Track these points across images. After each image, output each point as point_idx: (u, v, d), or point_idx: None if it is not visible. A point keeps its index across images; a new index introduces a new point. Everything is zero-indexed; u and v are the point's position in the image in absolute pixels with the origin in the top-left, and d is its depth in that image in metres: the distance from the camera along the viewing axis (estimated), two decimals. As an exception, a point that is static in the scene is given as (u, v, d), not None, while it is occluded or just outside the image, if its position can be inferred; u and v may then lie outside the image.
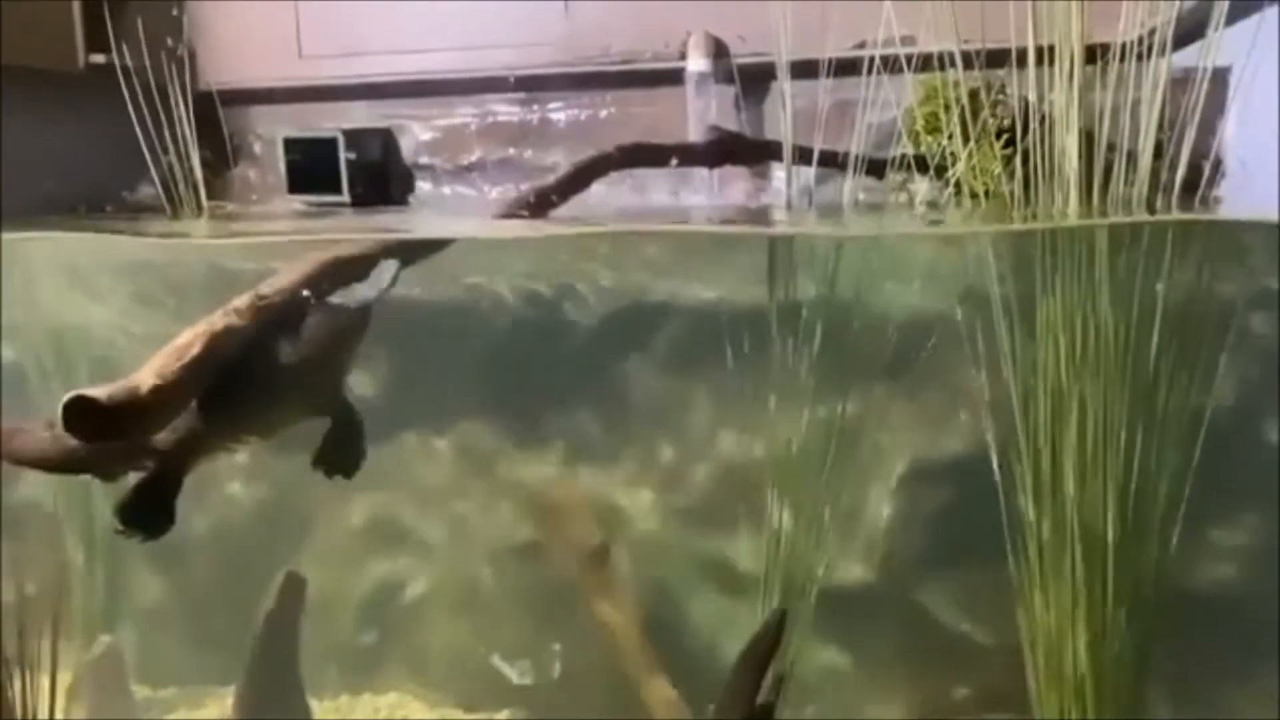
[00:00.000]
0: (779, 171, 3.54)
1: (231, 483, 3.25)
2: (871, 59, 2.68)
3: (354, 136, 3.91)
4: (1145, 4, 2.18)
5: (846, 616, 2.71)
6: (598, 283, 3.05)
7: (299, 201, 3.91)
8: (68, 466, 1.83)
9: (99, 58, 3.62)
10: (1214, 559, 2.56)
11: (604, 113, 3.91)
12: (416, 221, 3.51)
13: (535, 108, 3.96)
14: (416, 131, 4.07)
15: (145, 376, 1.48)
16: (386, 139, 4.04)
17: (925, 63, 2.71)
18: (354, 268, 1.78)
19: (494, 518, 3.07)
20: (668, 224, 2.63)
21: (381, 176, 3.99)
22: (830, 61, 2.73)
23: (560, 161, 3.96)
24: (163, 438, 1.67)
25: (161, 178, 3.37)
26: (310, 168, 3.86)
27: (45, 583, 2.37)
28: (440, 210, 3.91)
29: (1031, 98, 2.55)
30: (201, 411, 1.66)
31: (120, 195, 3.76)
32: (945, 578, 2.69)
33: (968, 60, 2.52)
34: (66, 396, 1.42)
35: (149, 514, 1.72)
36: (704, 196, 3.55)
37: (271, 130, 4.02)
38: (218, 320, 1.59)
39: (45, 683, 2.29)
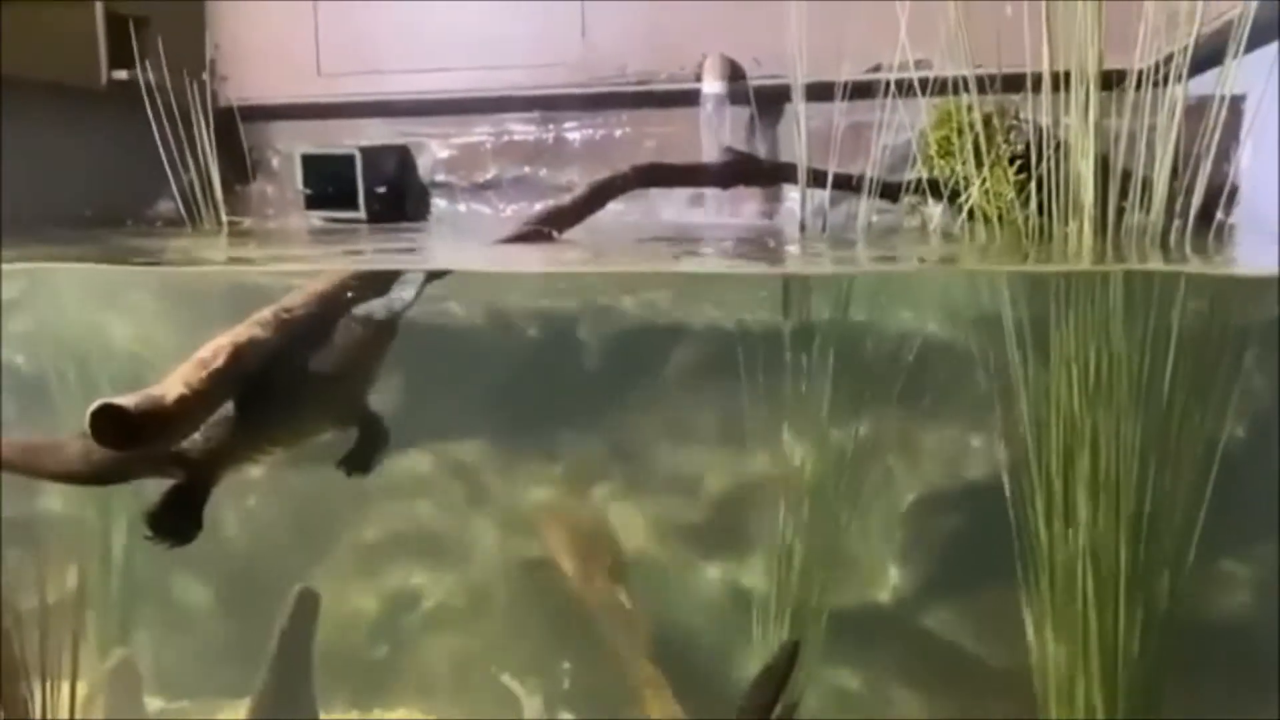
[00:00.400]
0: (792, 191, 3.57)
1: (246, 498, 3.26)
2: (887, 82, 2.70)
3: (371, 154, 3.95)
4: (1160, 30, 2.19)
5: (858, 640, 2.70)
6: (607, 303, 3.05)
7: (316, 217, 3.95)
8: (96, 479, 1.85)
9: (121, 74, 3.68)
10: (1227, 590, 2.55)
11: (619, 132, 3.94)
12: (434, 241, 3.53)
13: (551, 127, 4.00)
14: (434, 149, 4.11)
15: (171, 386, 1.49)
16: (403, 156, 4.08)
17: (940, 87, 2.73)
18: (377, 282, 1.80)
19: (506, 535, 3.08)
20: (675, 265, 2.64)
21: (398, 193, 4.03)
22: (846, 85, 2.75)
23: (575, 180, 4.00)
24: (191, 447, 1.69)
25: (182, 192, 3.41)
26: (327, 184, 3.90)
27: (62, 594, 2.38)
28: (456, 227, 3.93)
29: (1045, 123, 2.57)
30: (230, 421, 1.68)
31: (139, 209, 3.81)
32: (958, 602, 2.68)
33: (982, 85, 2.54)
34: (94, 405, 1.44)
35: (178, 522, 1.74)
36: (716, 214, 3.57)
37: (290, 146, 4.06)
38: (242, 332, 1.61)
39: (62, 692, 2.30)
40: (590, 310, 3.11)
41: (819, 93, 2.93)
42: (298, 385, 1.72)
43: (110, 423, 1.45)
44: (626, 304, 2.99)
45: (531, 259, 2.36)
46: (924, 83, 2.69)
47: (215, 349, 1.57)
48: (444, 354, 2.80)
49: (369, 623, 3.17)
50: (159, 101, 3.32)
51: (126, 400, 1.45)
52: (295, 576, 2.79)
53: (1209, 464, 2.06)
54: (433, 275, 1.83)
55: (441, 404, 2.92)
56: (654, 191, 3.51)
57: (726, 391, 2.68)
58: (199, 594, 3.20)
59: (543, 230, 2.35)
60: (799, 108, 2.70)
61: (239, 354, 1.58)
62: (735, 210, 3.58)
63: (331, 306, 1.75)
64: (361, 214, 3.90)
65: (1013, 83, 2.59)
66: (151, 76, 3.42)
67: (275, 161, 4.18)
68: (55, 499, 3.02)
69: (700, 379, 2.87)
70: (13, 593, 2.21)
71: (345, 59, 4.05)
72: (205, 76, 3.50)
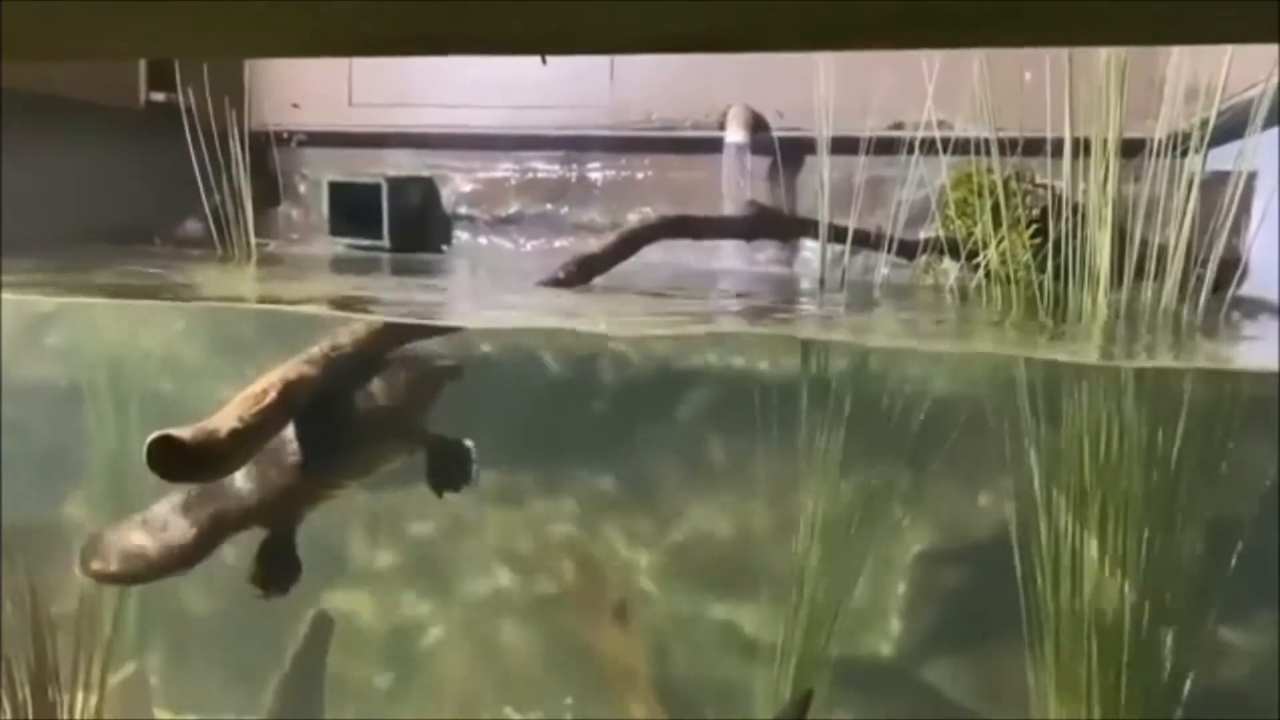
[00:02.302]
0: (810, 241, 3.65)
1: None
2: (909, 140, 2.78)
3: (397, 184, 4.02)
4: (1176, 101, 2.27)
5: (862, 692, 2.74)
6: (621, 346, 3.12)
7: (340, 244, 4.02)
8: (196, 555, 1.86)
9: (159, 95, 3.76)
10: (1231, 659, 2.59)
11: (641, 175, 4.02)
12: (461, 280, 3.60)
13: (574, 166, 4.08)
14: (458, 182, 4.19)
15: (225, 420, 1.55)
16: (428, 188, 4.15)
17: (961, 147, 2.81)
18: (425, 325, 1.86)
19: (513, 571, 3.12)
20: (700, 324, 2.71)
21: (421, 223, 4.10)
22: (871, 140, 2.83)
23: (596, 218, 4.08)
24: (268, 496, 1.74)
25: (214, 214, 3.47)
26: (353, 211, 3.97)
27: (76, 608, 2.42)
28: (479, 261, 4.00)
29: (1063, 188, 2.64)
30: (299, 464, 1.73)
31: (167, 229, 3.87)
32: (961, 659, 2.73)
33: (1003, 147, 2.61)
34: (151, 436, 1.49)
35: (278, 571, 1.79)
36: (735, 260, 3.65)
37: (318, 172, 4.14)
38: (292, 369, 1.67)
39: (73, 704, 2.33)
40: (604, 352, 3.17)
41: (840, 146, 3.01)
42: (359, 420, 1.77)
43: (167, 454, 1.50)
44: (640, 347, 3.05)
45: (559, 313, 2.42)
46: (945, 142, 2.77)
47: (267, 385, 1.62)
48: (456, 388, 2.86)
49: (374, 651, 3.20)
50: (195, 125, 3.40)
51: (183, 432, 1.51)
52: (303, 601, 2.83)
53: (1216, 533, 2.11)
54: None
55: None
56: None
57: (740, 438, 2.73)
58: (210, 610, 3.23)
59: (576, 276, 2.41)
60: (823, 162, 2.78)
61: (290, 390, 1.63)
62: (752, 257, 3.65)
63: (381, 343, 1.80)
64: (385, 242, 3.97)
65: (1033, 146, 2.68)
66: (188, 101, 3.50)
67: (303, 187, 4.25)
68: (79, 507, 3.06)
69: (714, 424, 2.92)
70: (30, 602, 2.25)
71: (377, 90, 4.13)
72: (242, 99, 3.57)
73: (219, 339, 3.07)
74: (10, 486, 2.34)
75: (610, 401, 3.06)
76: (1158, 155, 2.28)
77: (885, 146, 2.96)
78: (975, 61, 2.64)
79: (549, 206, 4.13)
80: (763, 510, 2.80)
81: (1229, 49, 1.85)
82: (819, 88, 2.75)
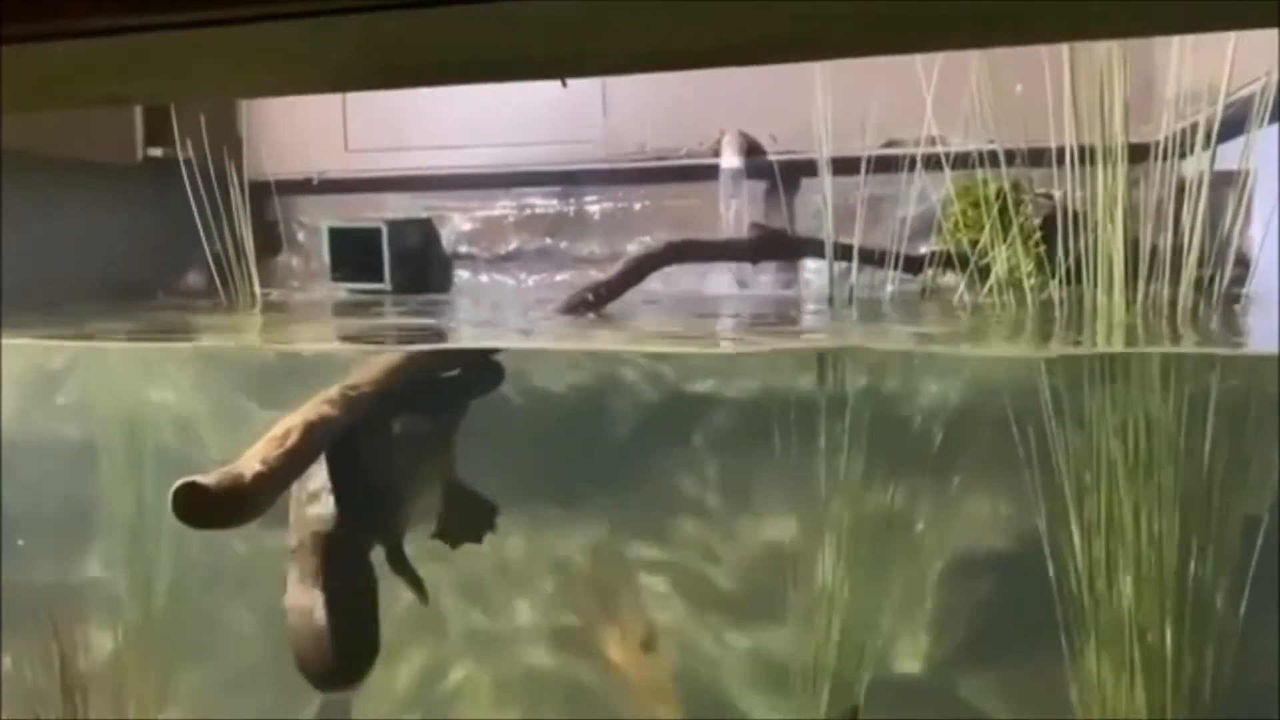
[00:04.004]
0: (810, 262, 3.67)
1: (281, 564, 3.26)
2: (908, 158, 2.80)
3: (396, 227, 4.04)
4: (1172, 103, 2.29)
5: (894, 710, 2.70)
6: (637, 371, 3.11)
7: (342, 289, 4.02)
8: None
9: (156, 151, 3.78)
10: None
11: (639, 205, 4.04)
12: (470, 314, 3.60)
13: (572, 200, 4.10)
14: (456, 222, 4.21)
15: (248, 464, 1.53)
16: (427, 229, 4.17)
17: (959, 161, 2.83)
18: (439, 359, 1.86)
19: (536, 602, 3.08)
20: (730, 343, 2.71)
21: (422, 265, 4.11)
22: (870, 159, 2.85)
23: (596, 250, 4.10)
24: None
25: (219, 265, 3.48)
26: (354, 256, 3.98)
27: (103, 660, 2.38)
28: (479, 297, 4.00)
29: (1058, 194, 2.66)
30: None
31: (169, 282, 3.87)
32: (995, 673, 2.69)
33: (1007, 159, 2.63)
34: (176, 484, 1.48)
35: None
36: (735, 285, 3.65)
37: (315, 219, 4.15)
38: (312, 410, 1.66)
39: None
40: (616, 379, 3.16)
41: (838, 166, 3.03)
42: (394, 462, 1.75)
43: (191, 501, 1.48)
44: (657, 371, 3.05)
45: (584, 336, 2.42)
46: (945, 157, 2.79)
47: (289, 426, 1.61)
48: (474, 419, 2.85)
49: (398, 690, 3.15)
50: (196, 177, 3.41)
51: (207, 478, 1.49)
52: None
53: (1254, 529, 2.08)
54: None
55: (471, 470, 2.95)
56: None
57: (759, 460, 2.71)
58: (236, 661, 3.18)
59: (586, 304, 2.41)
60: (825, 182, 2.80)
61: (312, 430, 1.62)
62: (754, 280, 3.66)
63: (397, 382, 1.79)
64: (386, 285, 3.97)
65: (1032, 157, 2.70)
66: (186, 153, 3.51)
67: (301, 234, 4.26)
68: (95, 563, 3.03)
69: (731, 447, 2.91)
70: (60, 662, 2.22)
71: (372, 135, 4.16)
72: (240, 150, 3.60)
73: (230, 390, 3.05)
74: (26, 547, 2.32)
75: (625, 428, 3.05)
76: (1163, 157, 2.29)
77: (884, 164, 2.98)
78: (969, 75, 2.67)
79: (548, 241, 4.14)
80: (786, 532, 2.78)
81: (1230, 45, 1.87)
82: (818, 107, 2.77)
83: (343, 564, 1.71)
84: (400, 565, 1.79)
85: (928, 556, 2.62)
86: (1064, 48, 2.24)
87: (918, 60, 2.72)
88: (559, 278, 4.07)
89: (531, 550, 3.07)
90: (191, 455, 3.03)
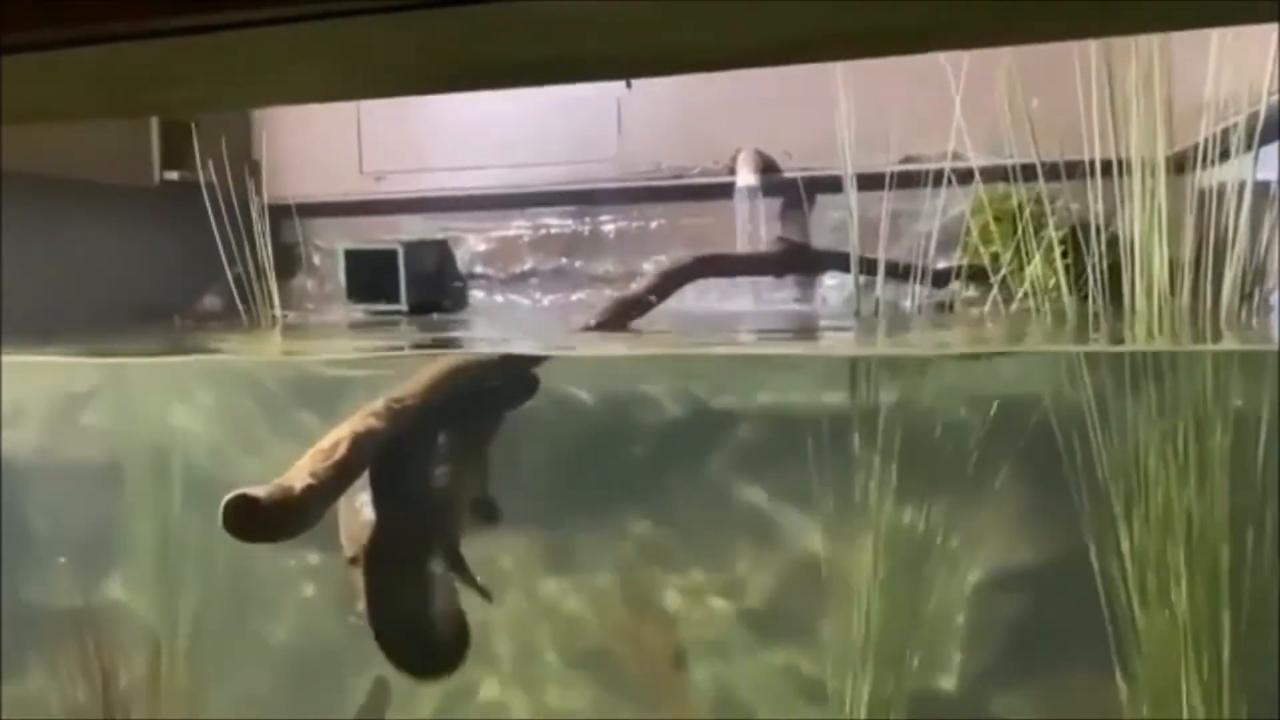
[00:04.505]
0: (827, 279, 3.67)
1: (305, 585, 3.24)
2: (930, 172, 2.81)
3: (412, 248, 4.04)
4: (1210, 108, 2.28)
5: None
6: (666, 387, 3.10)
7: (358, 310, 4.02)
8: None
9: (173, 174, 3.79)
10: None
11: (654, 224, 4.05)
12: (496, 330, 3.60)
13: (587, 220, 4.11)
14: (471, 243, 4.21)
15: (297, 476, 1.52)
16: (443, 250, 4.18)
17: (977, 175, 2.84)
18: (478, 372, 1.85)
19: (563, 620, 3.05)
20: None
21: (438, 286, 4.11)
22: (892, 175, 2.86)
23: (611, 269, 4.11)
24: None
25: (239, 288, 3.47)
26: (370, 277, 3.98)
27: (130, 683, 2.35)
28: (495, 317, 4.00)
29: (1075, 207, 2.67)
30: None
31: (185, 305, 3.87)
32: (1027, 688, 2.66)
33: (1031, 173, 2.64)
34: (227, 496, 1.46)
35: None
36: (753, 301, 3.65)
37: (330, 241, 4.15)
38: (359, 422, 1.65)
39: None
40: (638, 396, 3.15)
41: (857, 182, 3.03)
42: (437, 477, 1.75)
43: (242, 514, 1.47)
44: (686, 387, 3.04)
45: (625, 344, 2.41)
46: (969, 172, 2.81)
47: (336, 439, 1.60)
48: (513, 432, 2.83)
49: (423, 709, 3.12)
50: (218, 199, 3.41)
51: (258, 491, 1.48)
52: (353, 665, 2.76)
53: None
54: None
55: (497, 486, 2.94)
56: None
57: (787, 475, 2.70)
58: (270, 684, 3.15)
59: (615, 320, 2.41)
60: (850, 196, 2.80)
61: (359, 442, 1.61)
62: (769, 297, 3.66)
63: (439, 395, 1.78)
64: (403, 306, 3.97)
65: (1051, 170, 2.71)
66: (205, 176, 3.52)
67: (316, 257, 4.26)
68: (119, 589, 3.00)
69: (758, 463, 2.89)
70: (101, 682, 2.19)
71: (387, 157, 4.17)
72: (259, 173, 3.61)
73: (254, 411, 3.04)
74: (54, 569, 2.30)
75: (648, 445, 3.03)
76: (1204, 163, 2.29)
77: (905, 180, 2.99)
78: (986, 89, 2.68)
79: (563, 261, 4.14)
80: (816, 548, 2.75)
81: (1271, 51, 1.88)
82: (840, 121, 2.78)
83: (404, 566, 1.71)
84: (460, 568, 1.78)
85: (964, 569, 2.60)
86: (1099, 58, 2.25)
87: (934, 76, 2.73)
88: (574, 297, 4.07)
89: (561, 564, 3.05)
90: (220, 474, 3.01)
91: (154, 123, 3.77)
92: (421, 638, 1.72)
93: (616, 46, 0.87)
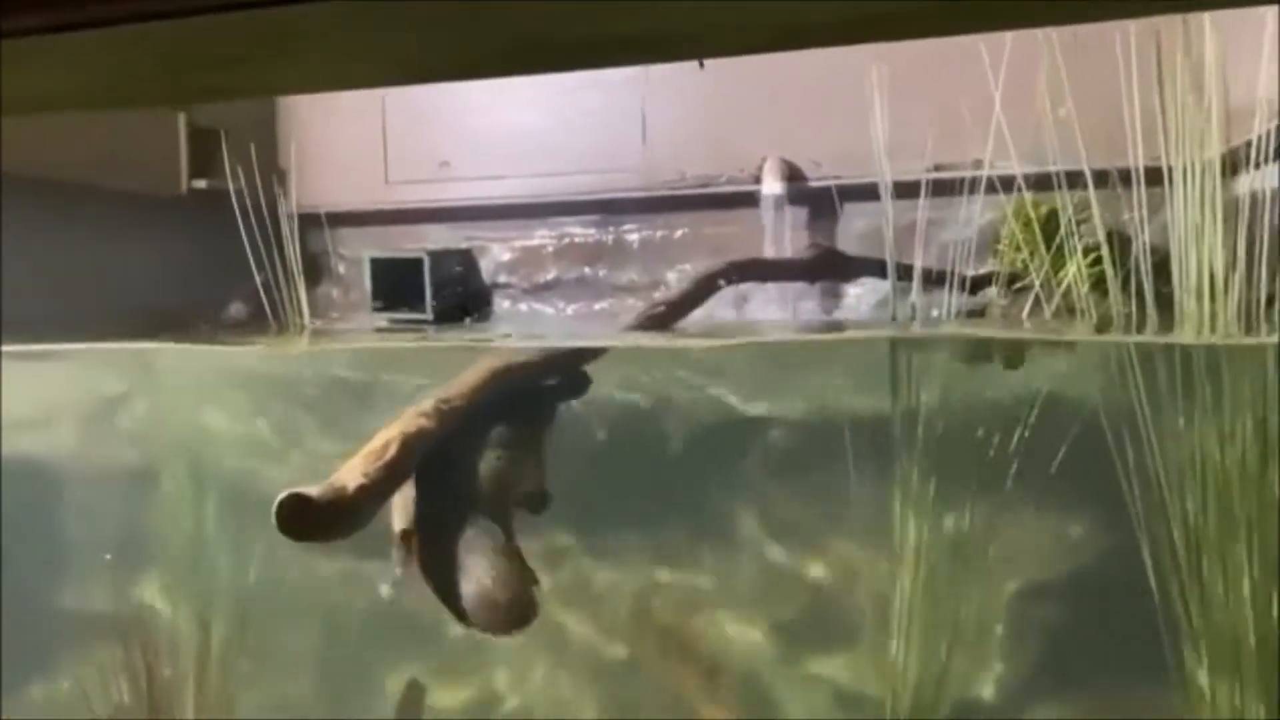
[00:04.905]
0: (853, 287, 3.66)
1: (334, 592, 3.22)
2: (966, 180, 2.80)
3: (438, 257, 4.04)
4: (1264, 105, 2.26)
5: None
6: (701, 392, 3.08)
7: (383, 318, 4.01)
8: None
9: (200, 183, 3.80)
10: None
11: (679, 233, 4.04)
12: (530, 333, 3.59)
13: (611, 229, 4.10)
14: (495, 252, 4.21)
15: (350, 476, 1.51)
16: (467, 259, 4.17)
17: (1009, 184, 2.83)
18: (524, 373, 1.84)
19: (597, 633, 3.02)
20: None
21: (462, 294, 4.11)
22: (929, 183, 2.85)
23: (635, 278, 4.10)
24: None
25: (268, 296, 3.47)
26: (395, 286, 3.98)
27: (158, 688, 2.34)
28: (521, 325, 3.99)
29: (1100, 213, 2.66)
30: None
31: (211, 313, 3.87)
32: (1068, 698, 2.62)
33: (1072, 181, 2.63)
34: (281, 495, 1.45)
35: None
36: (780, 310, 3.64)
37: (355, 250, 4.16)
38: (409, 422, 1.63)
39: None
40: (668, 403, 3.13)
41: (872, 193, 3.02)
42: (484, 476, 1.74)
43: (295, 513, 1.45)
44: (721, 392, 3.02)
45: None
46: (1001, 181, 2.80)
47: (387, 439, 1.59)
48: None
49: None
50: (246, 207, 3.41)
51: (311, 490, 1.46)
52: (382, 671, 2.73)
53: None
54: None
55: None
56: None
57: (822, 480, 2.67)
58: (304, 687, 3.12)
59: (654, 321, 2.39)
60: (885, 202, 2.79)
61: (409, 442, 1.60)
62: (799, 306, 3.64)
63: (487, 395, 1.77)
64: (428, 314, 3.97)
65: (1073, 177, 2.69)
66: (239, 183, 3.52)
67: (341, 266, 4.26)
68: (155, 594, 2.98)
69: (792, 468, 2.87)
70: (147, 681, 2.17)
71: (412, 167, 4.18)
72: (287, 182, 3.61)
73: (287, 416, 3.03)
74: (88, 573, 2.28)
75: (682, 451, 3.01)
76: (1256, 163, 2.26)
77: (935, 188, 2.98)
78: (1017, 96, 2.68)
79: (587, 270, 4.14)
80: (852, 554, 2.73)
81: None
82: (874, 130, 2.77)
83: (454, 534, 1.71)
84: (515, 560, 1.76)
85: (1007, 575, 2.57)
86: (1146, 42, 2.24)
87: (969, 83, 2.73)
88: (597, 306, 4.06)
89: (597, 576, 3.02)
90: (249, 479, 3.00)
91: (182, 131, 3.79)
92: (483, 590, 1.71)
93: (644, 26, 0.86)
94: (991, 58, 2.61)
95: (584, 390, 1.97)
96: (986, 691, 2.65)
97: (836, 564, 2.78)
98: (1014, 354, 2.51)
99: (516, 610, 1.71)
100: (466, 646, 3.03)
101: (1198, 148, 2.14)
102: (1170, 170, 2.25)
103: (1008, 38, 2.59)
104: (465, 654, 3.06)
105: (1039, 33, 2.50)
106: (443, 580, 1.72)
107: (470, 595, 1.70)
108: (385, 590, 1.75)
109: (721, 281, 2.76)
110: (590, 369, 2.38)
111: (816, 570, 2.84)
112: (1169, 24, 2.18)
